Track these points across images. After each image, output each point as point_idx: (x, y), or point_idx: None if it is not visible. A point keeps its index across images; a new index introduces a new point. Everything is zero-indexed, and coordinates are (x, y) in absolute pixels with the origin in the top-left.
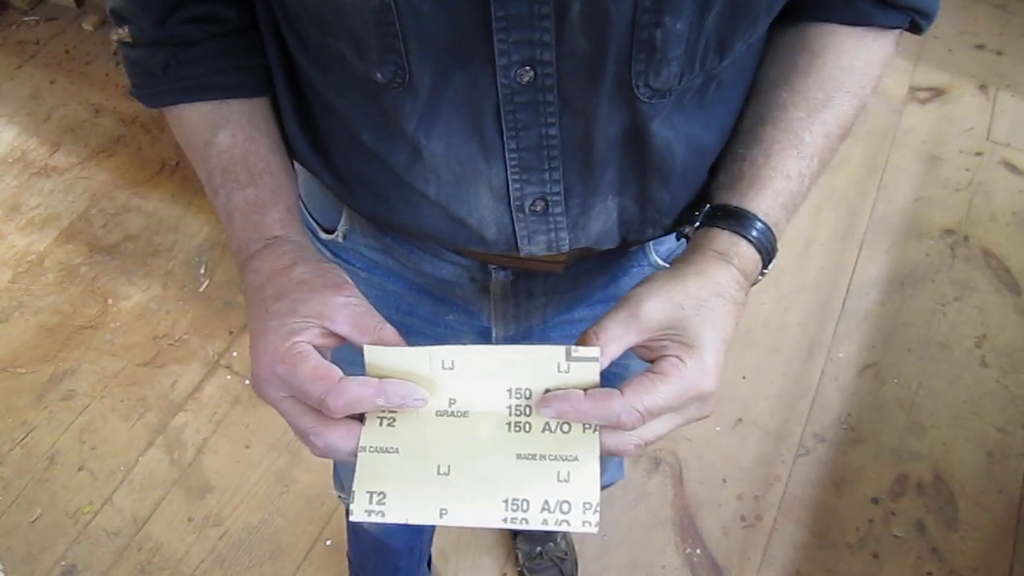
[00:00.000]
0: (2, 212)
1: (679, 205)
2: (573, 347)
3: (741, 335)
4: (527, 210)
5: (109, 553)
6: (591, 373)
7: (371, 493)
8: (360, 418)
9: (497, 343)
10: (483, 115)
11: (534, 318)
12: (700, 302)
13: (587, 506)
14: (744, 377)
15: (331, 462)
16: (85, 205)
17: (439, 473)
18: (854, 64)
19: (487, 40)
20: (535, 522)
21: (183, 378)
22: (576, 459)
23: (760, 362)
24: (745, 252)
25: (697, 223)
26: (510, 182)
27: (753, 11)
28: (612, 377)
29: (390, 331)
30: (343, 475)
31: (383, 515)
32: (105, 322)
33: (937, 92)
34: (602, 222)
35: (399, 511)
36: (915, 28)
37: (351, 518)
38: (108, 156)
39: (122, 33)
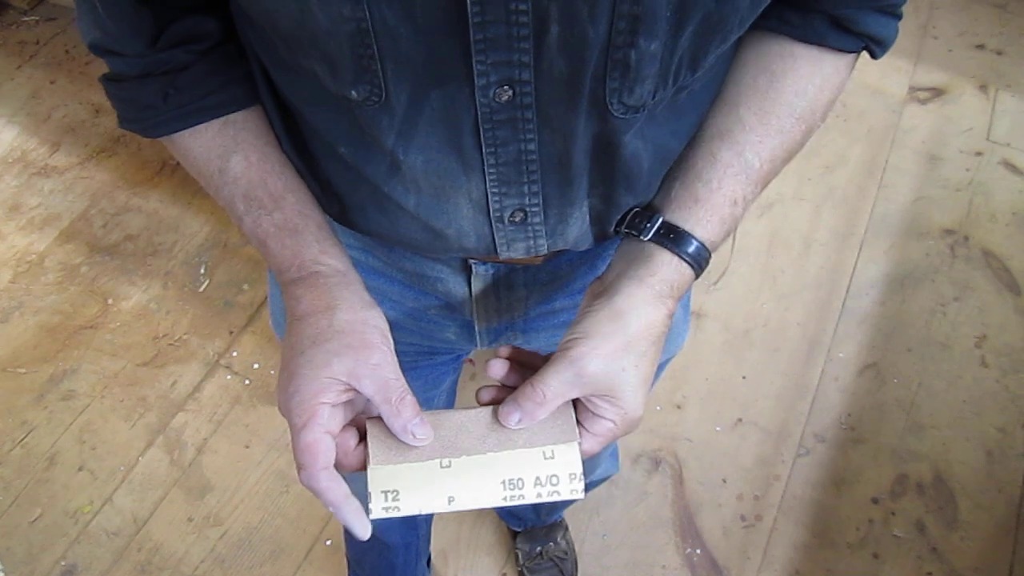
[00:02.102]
0: (2, 212)
1: (642, 204)
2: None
3: (741, 335)
4: (507, 221)
5: (109, 553)
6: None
7: (386, 492)
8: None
9: (480, 336)
10: (461, 131)
11: (516, 311)
12: (638, 356)
13: (572, 476)
14: (744, 377)
15: None
16: (85, 205)
17: (442, 467)
18: (808, 89)
19: (466, 61)
20: (531, 496)
21: (183, 378)
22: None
23: (760, 362)
24: (686, 280)
25: (648, 235)
26: (489, 195)
27: (726, 28)
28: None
29: (410, 402)
30: None
31: (399, 510)
32: (105, 322)
33: (937, 92)
34: (578, 227)
35: (413, 504)
36: (870, 53)
37: (370, 517)
38: (108, 156)
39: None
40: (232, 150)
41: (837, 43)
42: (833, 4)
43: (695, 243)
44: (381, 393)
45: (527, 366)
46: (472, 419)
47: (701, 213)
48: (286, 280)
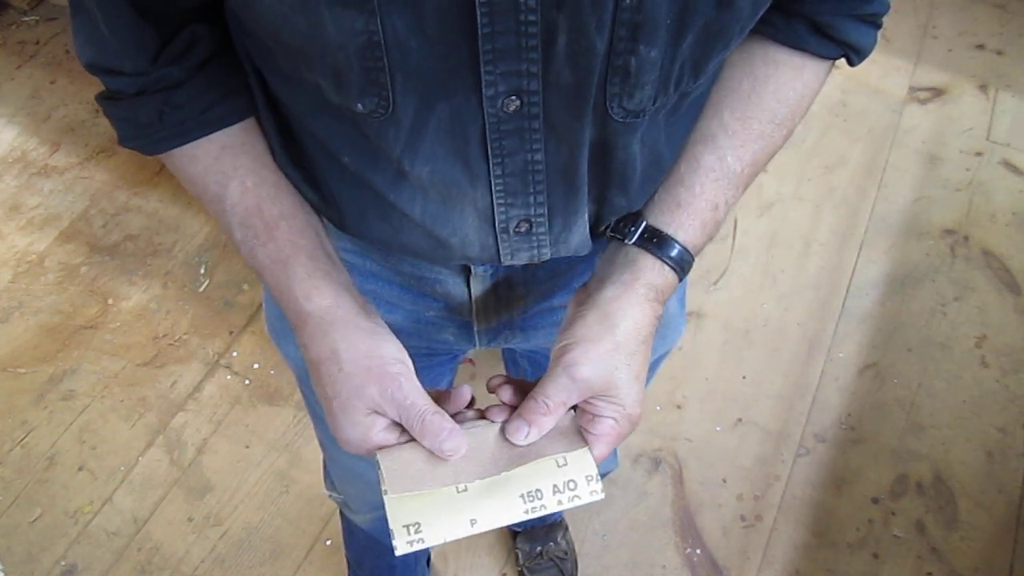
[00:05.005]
0: (2, 212)
1: (635, 207)
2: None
3: (741, 335)
4: (511, 231)
5: (109, 553)
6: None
7: (407, 526)
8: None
9: (479, 336)
10: (468, 142)
11: (515, 310)
12: (629, 356)
13: (589, 479)
14: (744, 377)
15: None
16: (85, 205)
17: (459, 492)
18: (789, 96)
19: (474, 72)
20: (552, 505)
21: (183, 378)
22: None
23: (760, 362)
24: (670, 283)
25: (632, 239)
26: (495, 206)
27: (727, 35)
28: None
29: (430, 421)
30: (334, 474)
31: (423, 542)
32: (105, 322)
33: (937, 92)
34: (580, 234)
35: (436, 534)
36: (847, 60)
37: (396, 553)
38: (108, 156)
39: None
40: (230, 176)
41: (817, 49)
42: (815, 10)
43: (678, 247)
44: (404, 419)
45: (526, 390)
46: (479, 440)
47: (683, 217)
48: (290, 318)
